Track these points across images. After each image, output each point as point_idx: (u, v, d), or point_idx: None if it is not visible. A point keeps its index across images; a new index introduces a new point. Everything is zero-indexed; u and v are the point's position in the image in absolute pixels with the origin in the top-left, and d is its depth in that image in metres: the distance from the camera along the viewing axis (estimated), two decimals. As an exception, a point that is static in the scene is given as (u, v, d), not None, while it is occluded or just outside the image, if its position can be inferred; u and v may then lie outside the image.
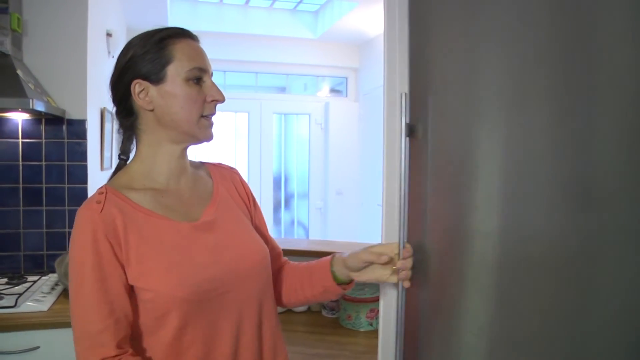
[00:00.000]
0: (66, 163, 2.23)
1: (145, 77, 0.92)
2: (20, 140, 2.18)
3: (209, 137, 0.97)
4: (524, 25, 0.71)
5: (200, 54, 0.96)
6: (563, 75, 0.71)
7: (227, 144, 5.05)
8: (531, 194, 0.72)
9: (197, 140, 0.97)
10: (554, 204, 0.71)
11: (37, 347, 1.64)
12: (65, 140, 2.23)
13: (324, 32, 4.92)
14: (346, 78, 5.38)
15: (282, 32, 5.00)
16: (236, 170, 1.14)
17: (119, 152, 1.01)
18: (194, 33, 0.98)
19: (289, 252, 1.33)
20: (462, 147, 0.81)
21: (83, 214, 0.88)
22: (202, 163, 1.10)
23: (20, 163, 2.18)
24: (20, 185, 2.19)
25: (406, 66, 0.92)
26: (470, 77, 0.77)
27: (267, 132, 5.19)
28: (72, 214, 2.25)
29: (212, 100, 0.95)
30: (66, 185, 2.24)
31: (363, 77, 5.18)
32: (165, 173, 0.97)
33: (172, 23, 4.45)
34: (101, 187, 0.93)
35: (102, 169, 2.70)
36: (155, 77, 0.92)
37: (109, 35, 2.90)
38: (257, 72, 5.31)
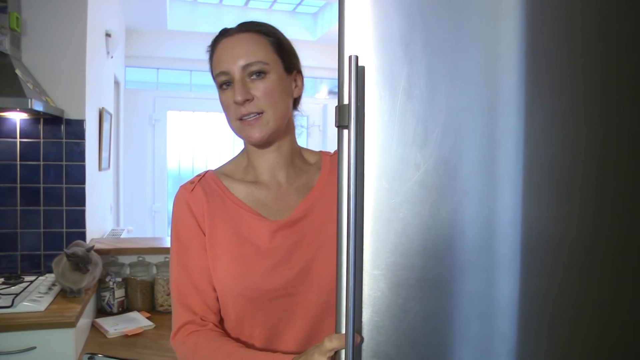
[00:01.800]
0: (64, 163, 2.23)
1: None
2: (18, 139, 2.18)
3: (249, 139, 0.92)
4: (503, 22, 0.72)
5: (226, 55, 0.90)
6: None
7: (224, 144, 5.05)
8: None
9: (249, 142, 0.95)
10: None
11: (34, 348, 1.63)
12: (64, 140, 2.23)
13: (323, 34, 4.92)
14: (345, 80, 5.38)
15: (281, 33, 4.99)
16: None
17: None
18: (244, 23, 0.95)
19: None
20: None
21: (179, 192, 0.97)
22: (320, 153, 1.04)
23: (18, 163, 2.18)
24: (18, 185, 2.19)
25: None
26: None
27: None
28: (70, 214, 2.27)
29: (235, 102, 0.90)
30: (64, 185, 2.23)
31: (362, 79, 5.17)
32: (258, 168, 0.97)
33: (171, 24, 4.47)
34: (203, 171, 0.99)
35: (100, 169, 2.70)
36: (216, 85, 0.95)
37: (108, 35, 2.90)
38: (256, 74, 5.30)
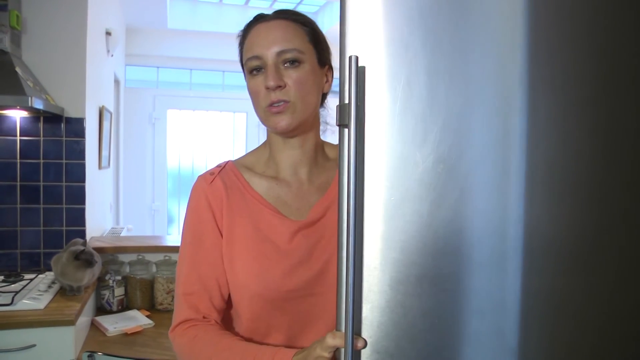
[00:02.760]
0: (64, 161, 2.23)
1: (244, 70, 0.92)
2: (18, 137, 2.18)
3: (277, 128, 0.87)
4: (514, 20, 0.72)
5: (260, 39, 0.87)
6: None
7: (225, 143, 5.05)
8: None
9: (274, 131, 0.90)
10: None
11: (33, 345, 1.63)
12: (64, 139, 2.23)
13: (324, 33, 4.92)
14: (345, 79, 5.38)
15: (282, 32, 4.99)
16: None
17: None
18: (272, 11, 0.91)
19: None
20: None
21: (197, 183, 0.93)
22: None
23: (18, 161, 2.18)
24: (18, 183, 2.19)
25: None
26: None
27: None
28: (70, 212, 2.27)
29: (266, 87, 0.86)
30: (64, 184, 2.24)
31: (362, 79, 5.17)
32: (280, 163, 0.93)
33: (171, 23, 4.46)
34: (223, 162, 0.96)
35: (100, 167, 2.70)
36: (244, 72, 0.91)
37: (108, 33, 2.90)
38: (256, 73, 5.31)
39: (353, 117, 0.66)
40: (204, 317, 0.88)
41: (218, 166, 0.95)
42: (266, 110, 0.87)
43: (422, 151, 0.69)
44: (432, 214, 0.70)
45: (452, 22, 0.70)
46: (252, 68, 0.88)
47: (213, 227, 0.90)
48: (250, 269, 0.87)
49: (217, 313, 0.90)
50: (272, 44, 0.86)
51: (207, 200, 0.90)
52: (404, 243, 0.70)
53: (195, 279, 0.89)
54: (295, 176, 0.94)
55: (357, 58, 0.65)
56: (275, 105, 0.86)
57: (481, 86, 0.71)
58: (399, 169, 0.70)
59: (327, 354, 0.71)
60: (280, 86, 0.85)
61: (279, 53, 0.86)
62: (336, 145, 1.00)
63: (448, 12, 0.70)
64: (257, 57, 0.87)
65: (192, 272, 0.89)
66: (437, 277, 0.70)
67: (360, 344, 0.69)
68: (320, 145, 0.97)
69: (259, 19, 0.91)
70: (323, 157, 0.97)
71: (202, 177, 0.93)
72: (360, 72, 0.68)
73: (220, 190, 0.90)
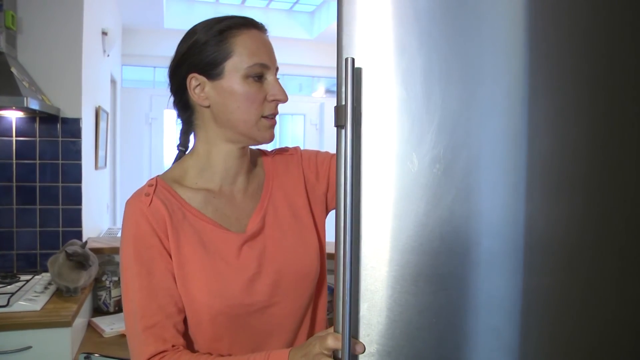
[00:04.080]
0: (60, 162, 2.22)
1: (202, 72, 0.86)
2: (14, 138, 2.17)
3: (268, 139, 0.89)
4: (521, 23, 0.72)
5: (264, 47, 0.87)
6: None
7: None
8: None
9: (255, 142, 0.90)
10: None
11: (29, 347, 1.62)
12: (60, 139, 2.22)
13: (320, 32, 4.93)
14: (342, 79, 5.39)
15: (278, 32, 5.00)
16: (292, 151, 1.03)
17: (178, 143, 0.97)
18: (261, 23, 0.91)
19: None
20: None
21: (132, 207, 0.86)
22: (260, 153, 1.02)
23: (14, 161, 2.17)
24: (14, 184, 2.18)
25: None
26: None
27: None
28: (66, 213, 2.26)
29: (273, 100, 0.87)
30: (60, 184, 2.23)
31: (359, 78, 5.18)
32: (221, 173, 0.91)
33: (168, 23, 4.45)
34: (151, 179, 0.89)
35: (96, 167, 2.69)
36: (213, 73, 0.85)
37: (104, 33, 2.89)
38: (252, 72, 5.31)
39: (349, 118, 0.66)
40: (172, 346, 0.83)
41: (149, 185, 0.88)
42: (262, 120, 0.87)
43: (419, 151, 0.70)
44: (428, 214, 0.70)
45: (448, 24, 0.71)
46: (255, 74, 0.86)
47: (161, 252, 0.84)
48: (209, 288, 0.84)
49: (182, 339, 0.85)
50: (274, 58, 0.89)
51: (150, 224, 0.84)
52: (400, 242, 0.70)
53: (155, 309, 0.82)
54: (232, 185, 0.92)
55: (353, 60, 0.66)
56: (272, 117, 0.88)
57: (476, 87, 0.71)
58: (395, 169, 0.70)
59: (326, 352, 0.70)
60: None
61: (277, 68, 0.89)
62: (255, 150, 1.00)
63: (443, 14, 0.70)
64: (264, 66, 0.86)
65: (151, 304, 0.82)
66: (434, 276, 0.71)
67: (359, 348, 0.69)
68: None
69: (252, 24, 0.89)
70: (252, 164, 0.98)
71: (136, 200, 0.86)
72: (357, 74, 0.69)
73: (161, 212, 0.84)
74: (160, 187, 0.88)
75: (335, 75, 0.71)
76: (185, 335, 0.86)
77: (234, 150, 0.90)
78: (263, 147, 1.00)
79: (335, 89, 0.72)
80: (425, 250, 0.70)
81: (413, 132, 0.70)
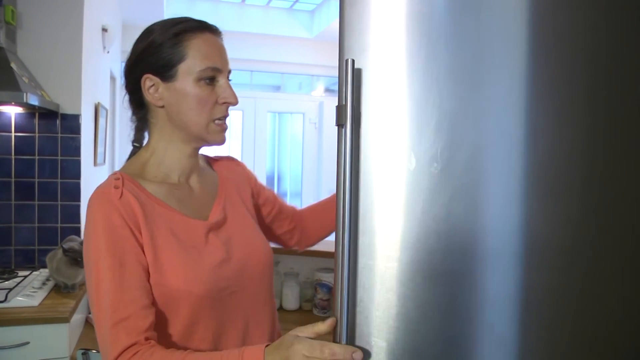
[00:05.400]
0: (59, 158, 2.23)
1: (157, 73, 0.89)
2: (13, 134, 2.17)
3: (219, 142, 0.93)
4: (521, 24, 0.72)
5: (217, 52, 0.91)
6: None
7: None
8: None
9: (207, 143, 0.94)
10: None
11: (27, 343, 1.63)
12: (59, 135, 2.22)
13: (320, 31, 4.93)
14: (341, 78, 5.39)
15: (278, 30, 5.00)
16: (237, 161, 1.12)
17: (132, 139, 0.99)
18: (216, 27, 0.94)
19: (283, 251, 1.33)
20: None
21: (100, 200, 0.85)
22: (204, 157, 1.07)
23: (13, 157, 2.17)
24: (13, 179, 2.18)
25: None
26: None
27: (261, 131, 5.19)
28: (65, 209, 2.26)
29: (224, 102, 0.91)
30: (59, 180, 2.23)
31: (358, 78, 5.18)
32: (177, 169, 0.95)
33: (168, 19, 4.46)
34: (115, 173, 0.90)
35: (95, 164, 2.69)
36: (167, 74, 0.88)
37: (104, 30, 2.89)
38: (252, 71, 5.32)
39: (349, 117, 0.68)
40: (145, 339, 0.80)
41: (116, 179, 0.87)
42: (213, 123, 0.91)
43: (417, 150, 0.71)
44: (425, 212, 0.71)
45: (447, 26, 0.71)
46: (207, 77, 0.89)
47: (133, 244, 0.83)
48: (187, 275, 0.85)
49: (154, 331, 0.83)
50: (227, 61, 0.93)
51: (121, 216, 0.83)
52: (398, 239, 0.71)
53: (128, 301, 0.81)
54: (189, 180, 0.97)
55: (353, 61, 0.68)
56: (222, 120, 0.92)
57: (475, 87, 0.72)
58: (393, 168, 0.71)
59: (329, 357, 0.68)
60: None
61: (230, 71, 0.94)
62: (200, 154, 1.03)
63: (443, 16, 0.71)
64: (216, 69, 0.90)
65: (124, 296, 0.81)
66: (431, 272, 0.72)
67: (358, 356, 0.68)
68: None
69: (207, 28, 0.92)
70: (202, 165, 1.02)
71: (106, 193, 0.85)
72: (357, 75, 0.70)
73: (132, 204, 0.85)
74: (127, 181, 0.88)
75: (335, 74, 0.72)
76: (156, 326, 0.85)
77: (188, 149, 0.95)
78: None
79: (334, 87, 0.73)
80: (423, 248, 0.71)
81: (411, 132, 0.71)
